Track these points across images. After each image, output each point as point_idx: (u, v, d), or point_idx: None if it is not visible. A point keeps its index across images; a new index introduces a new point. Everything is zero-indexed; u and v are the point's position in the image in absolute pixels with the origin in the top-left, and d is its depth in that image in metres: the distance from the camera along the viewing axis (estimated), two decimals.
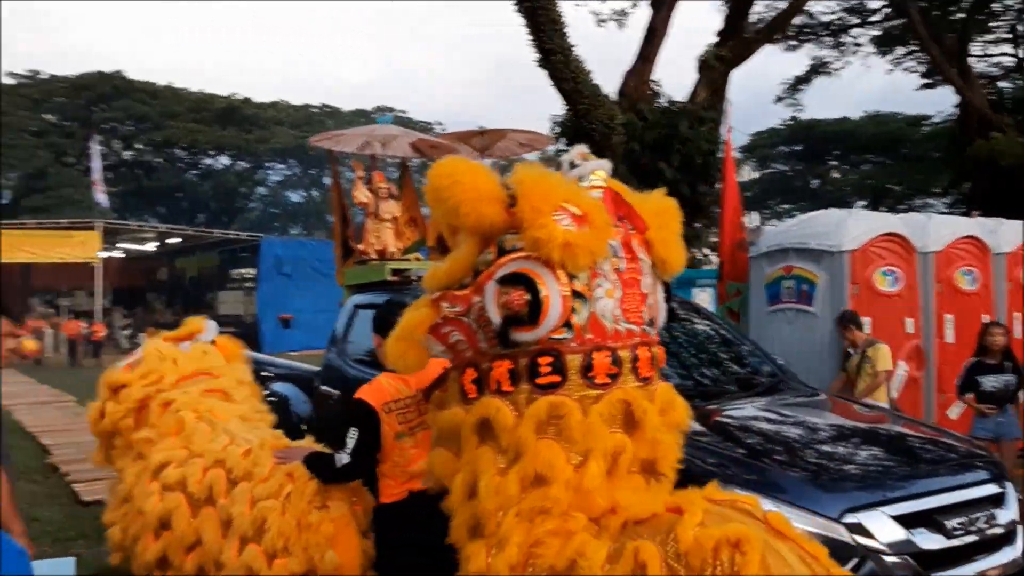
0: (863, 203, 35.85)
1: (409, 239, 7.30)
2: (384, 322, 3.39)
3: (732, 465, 3.40)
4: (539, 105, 24.10)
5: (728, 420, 4.09)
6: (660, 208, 2.65)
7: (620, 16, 18.00)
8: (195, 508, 3.58)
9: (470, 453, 2.47)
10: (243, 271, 30.48)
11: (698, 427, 3.94)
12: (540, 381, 2.38)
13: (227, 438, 3.75)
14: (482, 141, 7.32)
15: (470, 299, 2.46)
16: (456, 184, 2.38)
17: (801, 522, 3.11)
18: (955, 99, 23.24)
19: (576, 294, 2.36)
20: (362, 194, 6.54)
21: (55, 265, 28.53)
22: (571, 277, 2.35)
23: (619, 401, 2.40)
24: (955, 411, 7.55)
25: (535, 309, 2.30)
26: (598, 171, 2.58)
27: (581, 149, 2.66)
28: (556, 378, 2.37)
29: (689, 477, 3.23)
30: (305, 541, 3.26)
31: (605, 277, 2.43)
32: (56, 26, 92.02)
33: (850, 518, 3.16)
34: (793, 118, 37.56)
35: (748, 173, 46.17)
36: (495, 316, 2.37)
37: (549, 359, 2.38)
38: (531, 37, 11.98)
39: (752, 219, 43.80)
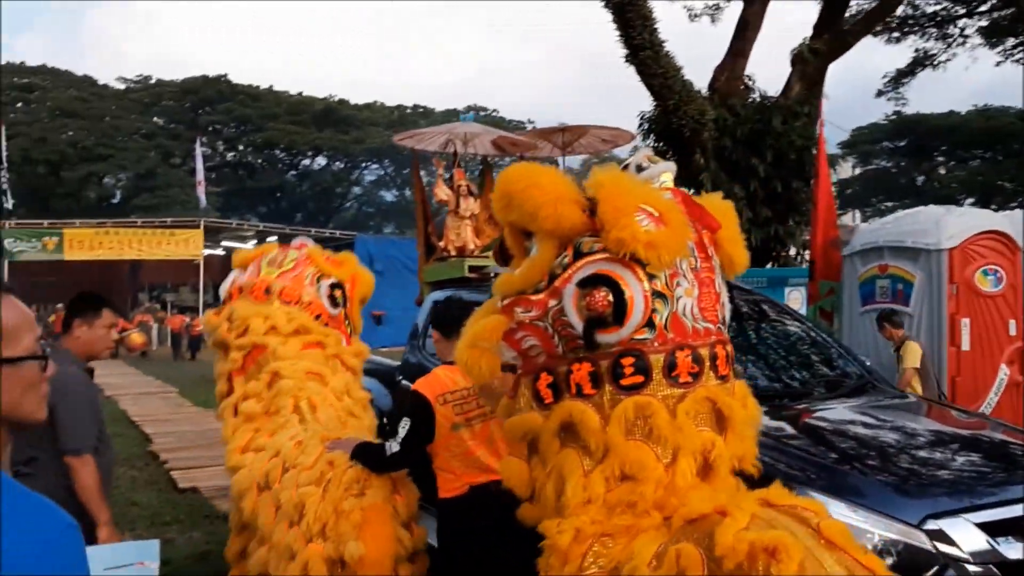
0: (971, 201, 34.37)
1: (489, 236, 7.33)
2: (442, 318, 3.49)
3: (813, 469, 3.30)
4: (632, 102, 23.94)
5: (812, 422, 3.99)
6: (721, 209, 2.66)
7: (714, 11, 17.67)
8: (259, 491, 3.75)
9: (553, 457, 2.46)
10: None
11: (784, 429, 3.87)
12: (624, 382, 2.37)
13: (295, 431, 3.85)
14: (564, 138, 7.31)
15: (546, 303, 2.44)
16: (534, 187, 2.39)
17: (880, 528, 3.02)
18: None
19: (657, 293, 2.36)
20: (443, 191, 6.61)
21: (161, 262, 29.71)
22: (651, 277, 2.35)
23: (704, 399, 2.41)
24: None
25: (619, 309, 2.31)
26: (666, 173, 2.60)
27: (648, 151, 2.70)
28: (640, 378, 2.37)
29: (770, 480, 3.18)
30: (338, 527, 3.32)
31: (684, 276, 2.43)
32: (165, 33, 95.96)
33: (931, 524, 3.02)
34: (897, 113, 36.20)
35: (849, 170, 44.80)
36: (576, 319, 2.37)
37: (632, 359, 2.37)
38: (619, 33, 11.88)
39: (854, 218, 42.59)
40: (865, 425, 3.90)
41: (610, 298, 2.30)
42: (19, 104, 43.66)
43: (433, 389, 3.34)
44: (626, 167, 2.66)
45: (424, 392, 3.36)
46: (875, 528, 3.02)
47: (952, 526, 3.04)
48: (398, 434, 3.31)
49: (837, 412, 4.10)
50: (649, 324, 2.35)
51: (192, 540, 6.25)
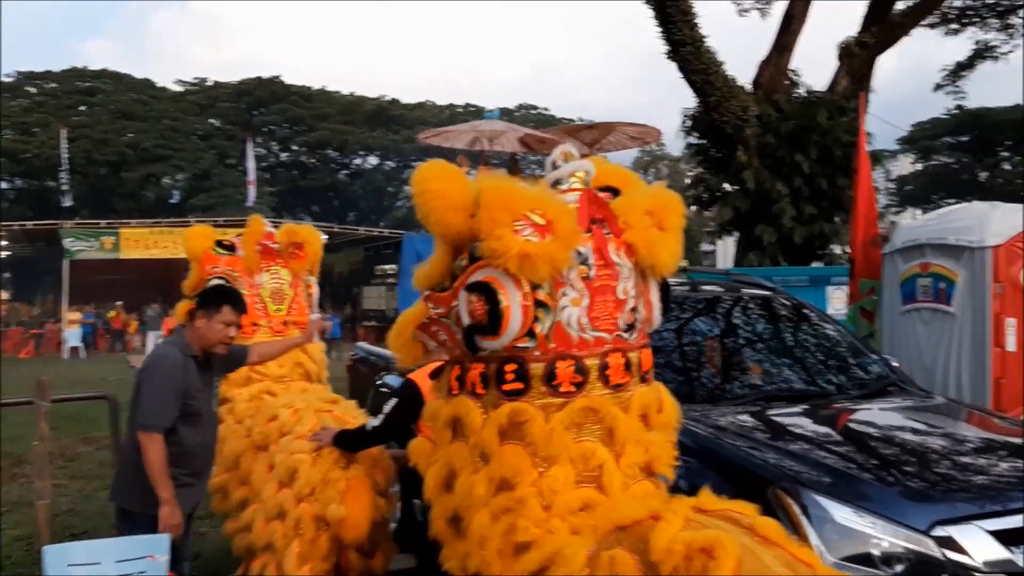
0: None
1: None
2: None
3: (817, 471, 3.19)
4: (683, 99, 23.71)
5: (824, 423, 3.88)
6: (656, 205, 2.57)
7: (763, 5, 17.39)
8: (256, 452, 4.25)
9: (444, 447, 2.55)
10: (386, 267, 31.39)
11: (795, 430, 3.77)
12: (505, 388, 2.43)
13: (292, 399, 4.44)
14: (592, 135, 7.23)
15: (449, 302, 2.50)
16: (426, 192, 2.42)
17: (887, 533, 2.92)
18: None
19: (539, 303, 2.36)
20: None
21: None
22: (535, 287, 2.34)
23: (583, 409, 2.42)
24: None
25: (496, 319, 2.31)
26: (578, 172, 2.54)
27: (566, 149, 2.63)
28: (519, 385, 2.41)
29: (771, 482, 3.09)
30: (325, 492, 3.76)
31: (571, 286, 2.42)
32: (222, 36, 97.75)
33: (940, 531, 2.90)
34: (959, 107, 35.28)
35: (908, 166, 43.72)
36: (464, 322, 2.42)
37: (514, 366, 2.41)
38: (660, 29, 11.77)
39: (913, 216, 41.56)
40: (880, 427, 3.78)
41: (486, 307, 2.32)
42: (82, 107, 44.83)
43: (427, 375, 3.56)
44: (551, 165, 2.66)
45: (417, 380, 3.57)
46: (882, 534, 2.91)
47: (963, 533, 2.92)
48: (382, 411, 3.66)
49: (854, 412, 3.98)
50: (531, 334, 2.37)
51: (220, 535, 6.30)
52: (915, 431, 3.79)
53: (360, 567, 3.95)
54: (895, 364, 4.83)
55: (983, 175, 40.02)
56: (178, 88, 49.11)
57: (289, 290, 4.82)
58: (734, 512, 2.22)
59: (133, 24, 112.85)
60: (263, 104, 48.22)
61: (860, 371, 4.66)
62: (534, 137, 6.87)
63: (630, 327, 2.54)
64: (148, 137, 42.01)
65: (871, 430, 3.74)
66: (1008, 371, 6.89)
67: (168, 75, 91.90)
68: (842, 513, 2.93)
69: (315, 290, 4.89)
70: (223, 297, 3.95)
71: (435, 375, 2.78)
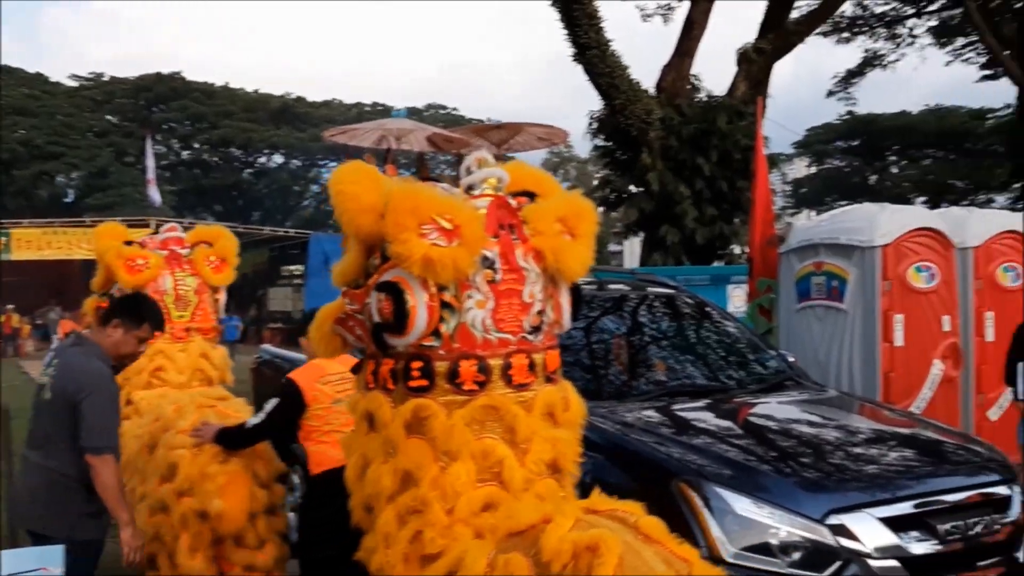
0: (923, 200, 34.92)
1: None
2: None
3: (719, 464, 3.31)
4: (590, 102, 24.02)
5: (725, 417, 4.01)
6: (569, 212, 2.65)
7: (666, 10, 17.78)
8: (147, 451, 4.25)
9: (360, 437, 2.66)
10: (292, 268, 30.90)
11: (698, 424, 3.88)
12: (411, 384, 2.52)
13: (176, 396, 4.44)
14: (500, 135, 7.28)
15: (363, 299, 2.59)
16: (340, 193, 2.51)
17: (784, 523, 3.04)
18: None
19: (445, 304, 2.47)
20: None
21: None
22: (441, 288, 2.45)
23: (484, 407, 2.51)
24: (995, 412, 7.30)
25: (402, 318, 2.42)
26: (490, 179, 2.62)
27: (479, 155, 2.72)
28: (424, 382, 2.51)
29: (674, 475, 3.18)
30: (203, 487, 3.84)
31: (477, 288, 2.52)
32: (119, 31, 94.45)
33: (833, 520, 3.04)
34: (849, 112, 36.74)
35: (803, 169, 45.29)
36: (374, 320, 2.52)
37: (420, 364, 2.51)
38: (566, 32, 11.91)
39: (808, 217, 43.03)
40: (778, 420, 3.93)
41: (393, 306, 2.42)
42: None
43: (312, 375, 3.74)
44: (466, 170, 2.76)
45: (296, 379, 3.76)
46: (780, 524, 3.04)
47: (855, 521, 3.07)
48: (264, 409, 3.80)
49: (754, 408, 4.12)
50: (436, 333, 2.48)
51: None
52: (811, 424, 3.95)
53: (244, 560, 3.99)
54: (791, 359, 5.01)
55: (872, 178, 41.76)
56: (73, 83, 47.24)
57: (194, 297, 4.76)
58: (621, 512, 2.32)
59: (25, 17, 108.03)
60: (163, 100, 46.78)
61: (759, 366, 4.83)
62: (442, 136, 6.86)
63: (535, 329, 2.62)
64: (40, 133, 40.25)
65: (769, 423, 3.88)
66: (896, 365, 7.21)
67: (62, 70, 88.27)
68: (742, 504, 3.04)
69: (222, 296, 4.83)
70: (147, 314, 3.74)
71: (355, 370, 2.85)
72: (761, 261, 8.38)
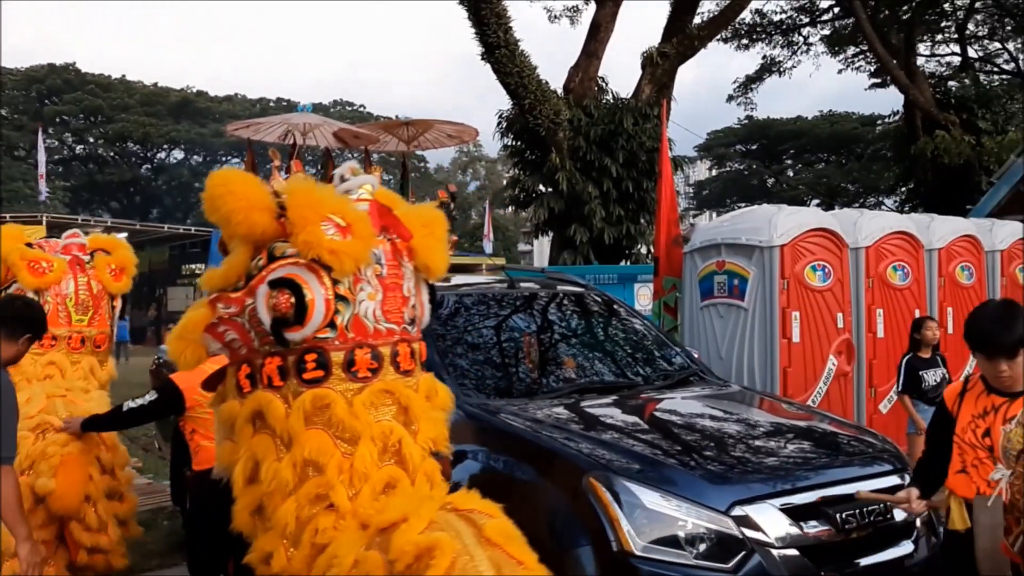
0: (817, 201, 36.23)
1: None
2: None
3: (627, 459, 3.36)
4: (499, 101, 24.08)
5: (633, 413, 4.07)
6: (427, 219, 2.92)
7: (573, 12, 17.97)
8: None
9: (246, 442, 2.68)
10: (193, 266, 30.04)
11: (603, 420, 3.93)
12: (306, 376, 2.61)
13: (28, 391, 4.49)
14: (409, 131, 7.20)
15: (243, 301, 2.66)
16: (229, 193, 2.56)
17: (691, 516, 3.10)
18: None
19: (339, 297, 2.61)
20: (279, 184, 6.37)
21: None
22: (335, 282, 2.59)
23: (381, 391, 2.67)
24: (885, 405, 7.64)
25: (301, 311, 2.54)
26: (365, 185, 2.81)
27: (352, 165, 2.92)
28: (320, 373, 2.62)
29: (584, 470, 3.22)
30: (39, 466, 4.10)
31: (368, 282, 2.68)
32: (8, 20, 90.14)
33: (737, 511, 3.13)
34: (748, 117, 37.87)
35: (705, 172, 46.43)
36: (266, 317, 2.57)
37: (314, 356, 2.61)
38: (475, 31, 11.91)
39: (710, 218, 44.11)
40: (684, 415, 4.02)
41: (292, 300, 2.53)
42: None
43: (193, 379, 3.65)
44: (332, 178, 2.94)
45: (178, 382, 3.99)
46: (687, 516, 3.10)
47: (758, 512, 3.16)
48: (143, 398, 4.08)
49: (660, 402, 4.20)
50: (331, 325, 2.60)
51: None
52: (714, 418, 4.06)
53: (88, 541, 4.26)
54: (695, 355, 5.13)
55: (770, 181, 43.12)
56: None
57: (93, 302, 4.82)
58: (476, 512, 2.46)
59: None
60: (56, 93, 44.90)
61: (665, 363, 4.93)
62: (349, 132, 6.73)
63: (412, 321, 2.84)
64: None
65: (675, 418, 3.96)
66: (794, 361, 7.47)
67: None
68: (650, 498, 3.10)
69: (119, 304, 4.92)
70: (29, 324, 3.63)
71: (209, 384, 2.92)
72: (666, 260, 8.55)
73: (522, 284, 5.16)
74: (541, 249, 42.43)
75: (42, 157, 29.34)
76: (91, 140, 47.17)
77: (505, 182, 50.19)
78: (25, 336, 3.59)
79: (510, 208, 48.58)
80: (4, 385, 3.40)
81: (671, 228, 8.62)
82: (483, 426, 3.80)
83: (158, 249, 32.79)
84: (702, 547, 3.09)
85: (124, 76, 47.49)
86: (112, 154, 47.83)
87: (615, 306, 5.29)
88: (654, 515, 3.08)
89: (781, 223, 7.55)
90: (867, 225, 7.99)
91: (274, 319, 2.55)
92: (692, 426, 3.89)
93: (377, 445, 2.60)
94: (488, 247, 35.30)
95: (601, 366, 4.75)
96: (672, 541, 3.07)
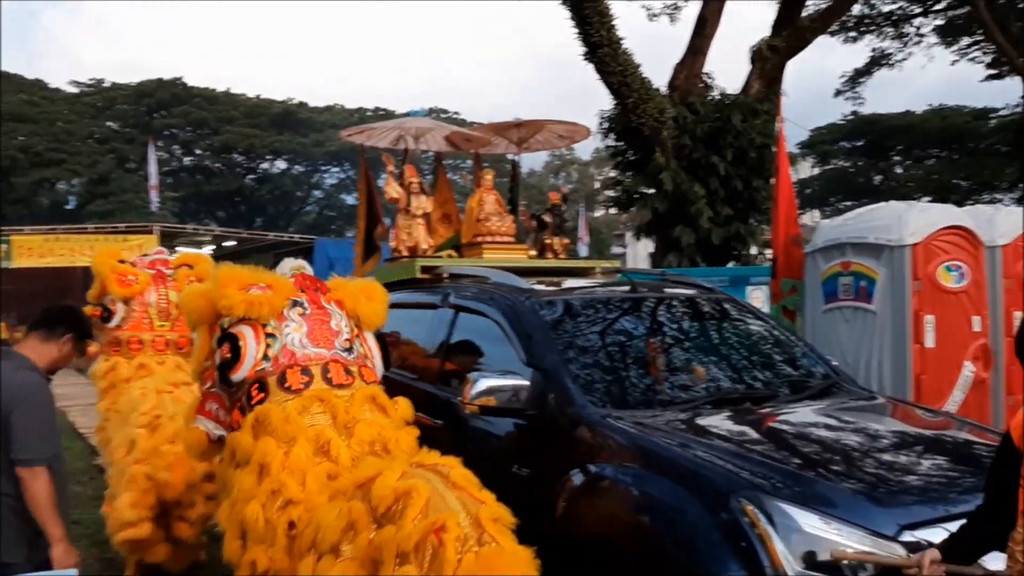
0: (928, 199, 34.68)
1: (442, 236, 7.07)
2: None
3: (780, 477, 3.08)
4: (596, 103, 23.82)
5: (778, 426, 3.79)
6: (366, 286, 3.70)
7: (672, 10, 17.58)
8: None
9: (225, 475, 3.28)
10: None
11: (747, 434, 3.67)
12: (253, 402, 3.22)
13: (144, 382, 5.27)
14: (520, 133, 7.07)
15: (212, 372, 3.38)
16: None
17: (855, 540, 2.80)
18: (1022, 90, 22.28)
19: (269, 335, 3.29)
20: (393, 190, 6.33)
21: None
22: (264, 327, 3.29)
23: (312, 398, 3.20)
24: None
25: (237, 351, 3.23)
26: (295, 266, 3.64)
27: (294, 263, 3.69)
28: (262, 395, 3.21)
29: (733, 490, 2.97)
30: (154, 461, 4.80)
31: (291, 320, 3.35)
32: (119, 36, 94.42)
33: (908, 536, 2.81)
34: (854, 113, 36.53)
35: (808, 170, 45.11)
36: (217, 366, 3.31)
37: (257, 385, 3.25)
38: (577, 30, 11.71)
39: (812, 217, 42.83)
40: (832, 429, 3.71)
41: (228, 347, 3.24)
42: None
43: None
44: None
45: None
46: (849, 541, 2.80)
47: (930, 537, 2.83)
48: None
49: (802, 415, 3.90)
50: (265, 357, 3.25)
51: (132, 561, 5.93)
52: (867, 432, 3.73)
53: (184, 534, 5.02)
54: (835, 363, 4.80)
55: (877, 178, 41.53)
56: (73, 89, 47.04)
57: (174, 311, 5.35)
58: (440, 466, 2.85)
59: (22, 22, 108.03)
60: (164, 106, 46.55)
61: (806, 372, 4.62)
62: (461, 135, 6.67)
63: (348, 349, 3.43)
64: (40, 140, 39.98)
65: (823, 432, 3.66)
66: (927, 367, 7.03)
67: (61, 76, 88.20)
68: (808, 521, 2.82)
69: None
70: (68, 324, 3.79)
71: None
72: (785, 261, 8.18)
73: (643, 288, 4.93)
74: (636, 252, 41.94)
75: (152, 169, 30.49)
76: (198, 152, 48.75)
77: (598, 184, 50.04)
78: (66, 336, 3.72)
79: (603, 211, 48.41)
80: (40, 387, 3.53)
81: (790, 227, 8.25)
82: (609, 437, 3.59)
83: (263, 256, 33.61)
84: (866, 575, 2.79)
85: (229, 89, 48.92)
86: (218, 165, 49.37)
87: (746, 311, 5.01)
88: (812, 539, 2.79)
89: (912, 221, 7.12)
90: (1003, 222, 7.48)
91: (219, 365, 3.27)
92: (843, 441, 3.57)
93: (311, 444, 3.08)
94: (583, 250, 35.11)
95: (734, 375, 4.47)
96: (833, 568, 2.78)
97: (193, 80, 48.10)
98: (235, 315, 3.24)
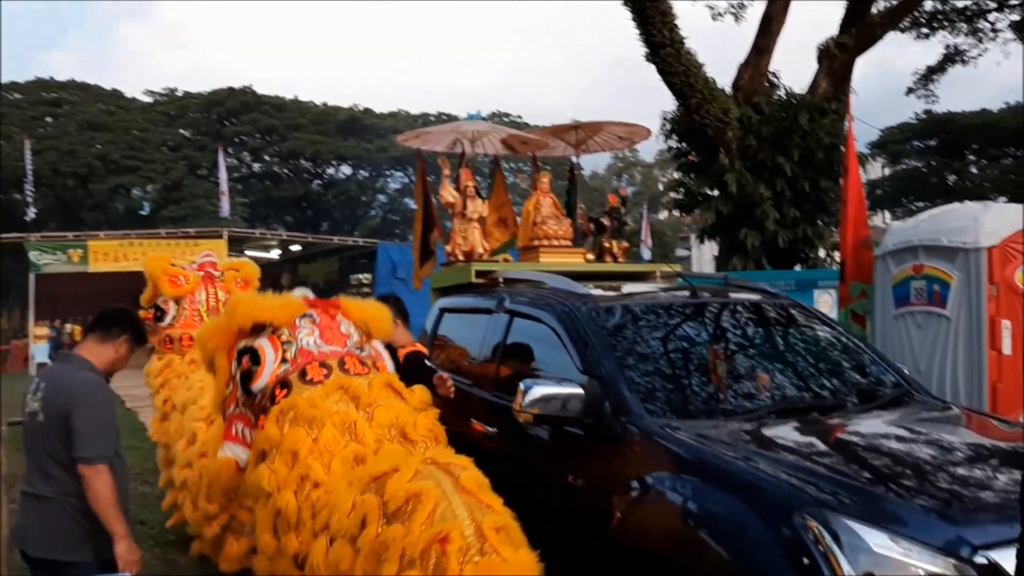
0: (1004, 200, 33.48)
1: (498, 240, 7.01)
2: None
3: (846, 492, 2.93)
4: (657, 104, 23.57)
5: (846, 438, 3.63)
6: (367, 305, 3.81)
7: (737, 8, 17.24)
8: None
9: (257, 480, 3.28)
10: (361, 276, 31.02)
11: (814, 445, 3.52)
12: (278, 400, 3.34)
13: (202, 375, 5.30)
14: (577, 135, 6.97)
15: (235, 394, 3.52)
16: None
17: (926, 561, 2.64)
18: None
19: (286, 342, 3.47)
20: (449, 193, 6.29)
21: None
22: (280, 336, 3.48)
23: (334, 386, 3.34)
24: None
25: (257, 359, 3.41)
26: (301, 293, 3.76)
27: (302, 291, 3.81)
28: (285, 391, 3.35)
29: (797, 506, 2.84)
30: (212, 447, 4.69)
31: (302, 328, 3.53)
32: (191, 46, 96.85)
33: (982, 557, 2.64)
34: (927, 111, 35.45)
35: (878, 170, 43.94)
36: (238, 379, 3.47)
37: (279, 385, 3.38)
38: (639, 31, 11.54)
39: (883, 219, 41.69)
40: (902, 441, 3.53)
41: (249, 357, 3.42)
42: (48, 119, 43.98)
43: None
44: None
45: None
46: (920, 562, 2.64)
47: (1007, 559, 2.66)
48: None
49: (872, 426, 3.73)
50: (284, 361, 3.42)
51: (197, 562, 6.00)
52: (939, 445, 3.54)
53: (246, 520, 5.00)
54: (906, 371, 4.59)
55: (951, 179, 40.25)
56: (147, 99, 48.45)
57: (223, 308, 5.45)
58: (453, 465, 2.93)
59: (99, 34, 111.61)
60: (234, 114, 47.63)
61: (875, 380, 4.43)
62: (518, 138, 6.60)
63: (360, 348, 3.61)
64: (116, 148, 41.26)
65: (893, 445, 3.49)
66: (1004, 375, 6.73)
67: (136, 85, 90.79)
68: (877, 540, 2.67)
69: None
70: (123, 325, 3.89)
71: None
72: (854, 264, 7.92)
73: (705, 292, 4.79)
74: (700, 255, 41.37)
75: (223, 175, 31.14)
76: (267, 158, 49.72)
77: (661, 187, 49.53)
78: (123, 337, 3.83)
79: (666, 213, 47.88)
80: (99, 386, 3.61)
81: (859, 229, 7.99)
82: (668, 449, 3.48)
83: (328, 260, 34.14)
84: None
85: (296, 97, 49.89)
86: (286, 171, 50.28)
87: (813, 316, 4.83)
88: (881, 560, 2.64)
89: (988, 222, 6.82)
90: None
91: (241, 376, 3.43)
92: (914, 454, 3.39)
93: (338, 428, 3.20)
94: (646, 253, 34.75)
95: (799, 384, 4.31)
96: None
97: (262, 88, 49.14)
98: (254, 318, 3.43)
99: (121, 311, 3.95)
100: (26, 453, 3.66)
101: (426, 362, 4.63)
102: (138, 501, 7.77)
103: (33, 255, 25.44)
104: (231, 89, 47.75)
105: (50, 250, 26.01)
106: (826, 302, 9.78)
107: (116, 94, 47.23)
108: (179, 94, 48.86)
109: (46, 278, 25.87)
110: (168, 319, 5.69)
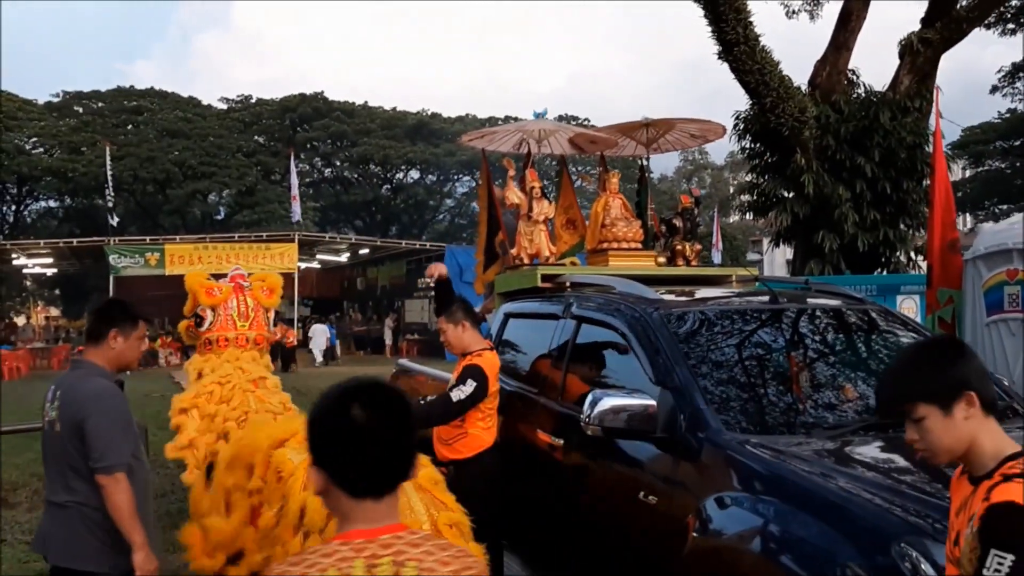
0: None
1: (566, 243, 6.80)
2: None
3: (942, 516, 2.66)
4: (725, 107, 23.07)
5: None
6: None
7: (812, 6, 16.73)
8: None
9: None
10: (428, 280, 31.12)
11: (906, 465, 3.25)
12: None
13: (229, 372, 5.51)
14: (648, 133, 6.72)
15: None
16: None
17: None
18: None
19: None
20: (514, 195, 6.11)
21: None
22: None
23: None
24: None
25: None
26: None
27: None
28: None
29: (894, 532, 2.59)
30: None
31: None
32: (266, 54, 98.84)
33: None
34: (1010, 110, 34.10)
35: (960, 171, 42.46)
36: None
37: None
38: (711, 29, 11.23)
39: (965, 222, 40.25)
40: None
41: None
42: (129, 126, 45.27)
43: (491, 366, 4.54)
44: None
45: (483, 367, 4.47)
46: None
47: None
48: (465, 388, 4.38)
49: None
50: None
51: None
52: None
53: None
54: (1006, 383, 4.26)
55: None
56: (223, 106, 49.49)
57: (252, 312, 5.98)
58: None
59: (178, 44, 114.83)
60: (306, 120, 48.37)
61: None
62: (585, 137, 6.38)
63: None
64: (194, 154, 42.22)
65: None
66: None
67: (213, 93, 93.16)
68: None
69: (271, 314, 6.07)
70: (132, 312, 3.81)
71: None
72: (941, 269, 7.51)
73: (785, 298, 4.53)
74: (772, 259, 40.48)
75: (295, 180, 31.63)
76: (337, 163, 50.36)
77: (732, 190, 48.65)
78: (111, 332, 3.69)
79: (736, 216, 46.97)
80: (109, 391, 3.52)
81: (947, 232, 7.57)
82: (746, 466, 3.25)
83: (396, 263, 34.37)
84: None
85: (366, 102, 50.38)
86: (356, 176, 50.87)
87: (898, 323, 4.52)
88: None
89: None
90: None
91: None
92: None
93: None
94: (717, 257, 34.13)
95: None
96: None
97: (333, 94, 49.76)
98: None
99: (100, 308, 3.87)
100: (45, 462, 3.63)
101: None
102: (176, 516, 7.76)
103: (113, 258, 26.20)
104: (303, 95, 48.50)
105: (129, 253, 26.76)
106: (910, 308, 9.35)
107: (193, 101, 48.37)
108: (253, 101, 49.82)
109: (125, 280, 26.61)
110: (206, 324, 6.02)
